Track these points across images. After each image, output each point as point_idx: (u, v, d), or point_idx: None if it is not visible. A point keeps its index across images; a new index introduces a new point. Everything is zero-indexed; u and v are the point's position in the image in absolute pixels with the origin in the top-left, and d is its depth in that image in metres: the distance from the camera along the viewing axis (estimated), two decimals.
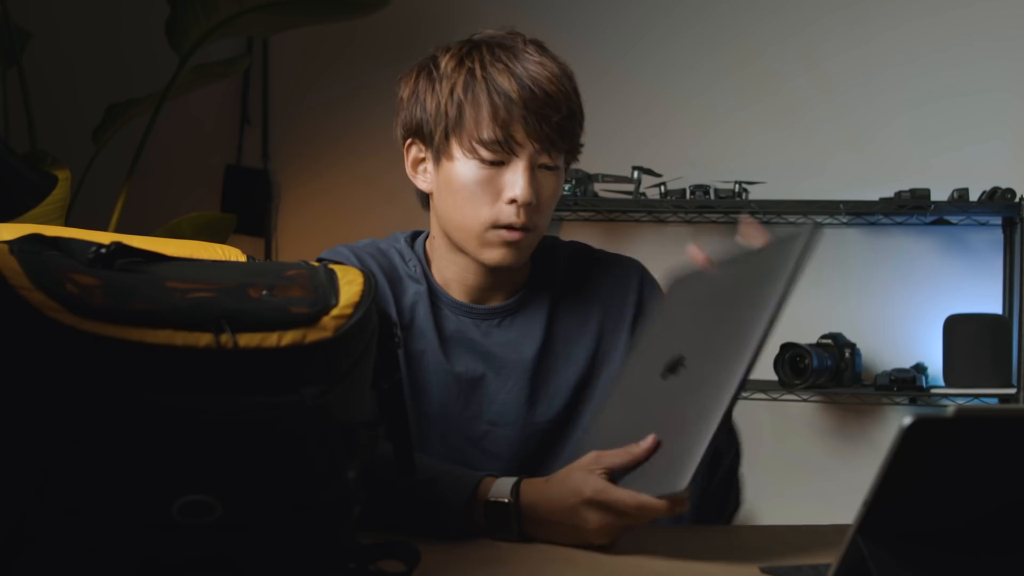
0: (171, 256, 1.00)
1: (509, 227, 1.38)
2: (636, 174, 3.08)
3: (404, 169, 1.51)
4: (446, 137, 1.40)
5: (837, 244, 3.21)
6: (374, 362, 1.00)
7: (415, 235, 1.54)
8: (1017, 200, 2.92)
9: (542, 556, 1.15)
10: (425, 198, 1.49)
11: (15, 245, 0.91)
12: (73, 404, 0.82)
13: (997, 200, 2.91)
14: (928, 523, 0.90)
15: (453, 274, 1.47)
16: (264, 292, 0.92)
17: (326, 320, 0.91)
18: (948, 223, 3.11)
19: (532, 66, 1.37)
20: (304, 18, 3.01)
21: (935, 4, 3.16)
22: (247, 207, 3.42)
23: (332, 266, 1.00)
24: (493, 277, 1.46)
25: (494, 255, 1.40)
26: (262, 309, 0.89)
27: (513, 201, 1.37)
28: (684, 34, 3.29)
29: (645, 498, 1.11)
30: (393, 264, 1.48)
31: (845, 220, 3.15)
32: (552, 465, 1.46)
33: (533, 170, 1.37)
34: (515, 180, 1.36)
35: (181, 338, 0.84)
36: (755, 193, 3.08)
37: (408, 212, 3.37)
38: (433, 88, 1.41)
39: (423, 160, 1.46)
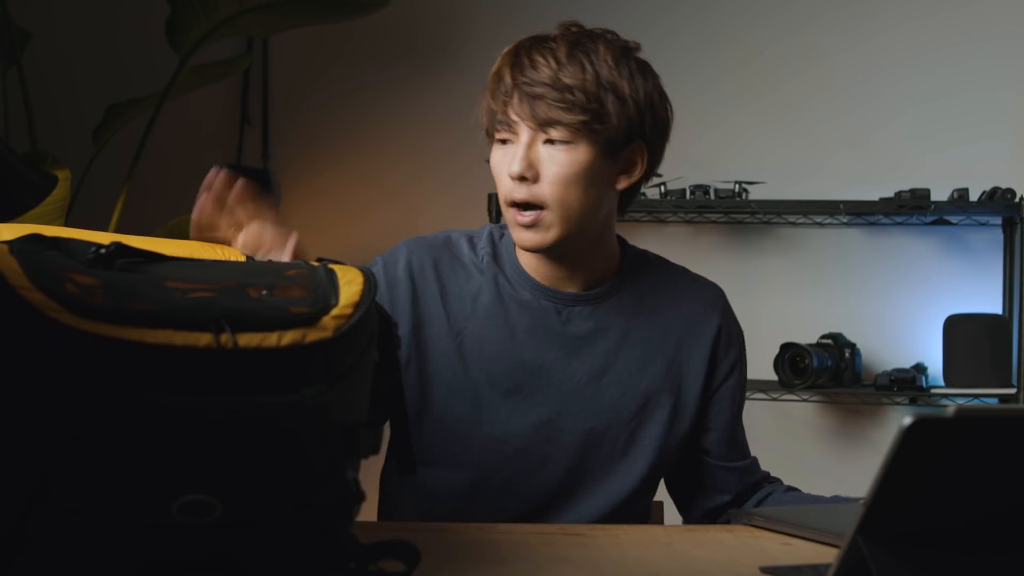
0: (171, 256, 1.00)
1: (514, 204, 1.44)
2: None
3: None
4: (487, 132, 1.50)
5: (837, 244, 3.21)
6: (374, 362, 1.00)
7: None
8: (1017, 200, 2.92)
9: (542, 556, 1.15)
10: None
11: (15, 245, 0.91)
12: (73, 404, 0.82)
13: (997, 200, 2.91)
14: (928, 523, 0.90)
15: (529, 260, 1.52)
16: (264, 292, 0.91)
17: (326, 320, 0.91)
18: (948, 223, 3.11)
19: (538, 53, 1.44)
20: (304, 18, 3.01)
21: (935, 3, 3.16)
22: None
23: (332, 266, 1.00)
24: (560, 267, 1.50)
25: (518, 236, 1.46)
26: (262, 309, 0.89)
27: (512, 176, 1.43)
28: (683, 34, 3.29)
29: None
30: (455, 254, 1.54)
31: (845, 220, 3.15)
32: (604, 468, 1.49)
33: (533, 146, 1.42)
34: (514, 155, 1.43)
35: (181, 338, 0.84)
36: (755, 193, 3.08)
37: (409, 212, 3.37)
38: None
39: None
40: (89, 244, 0.95)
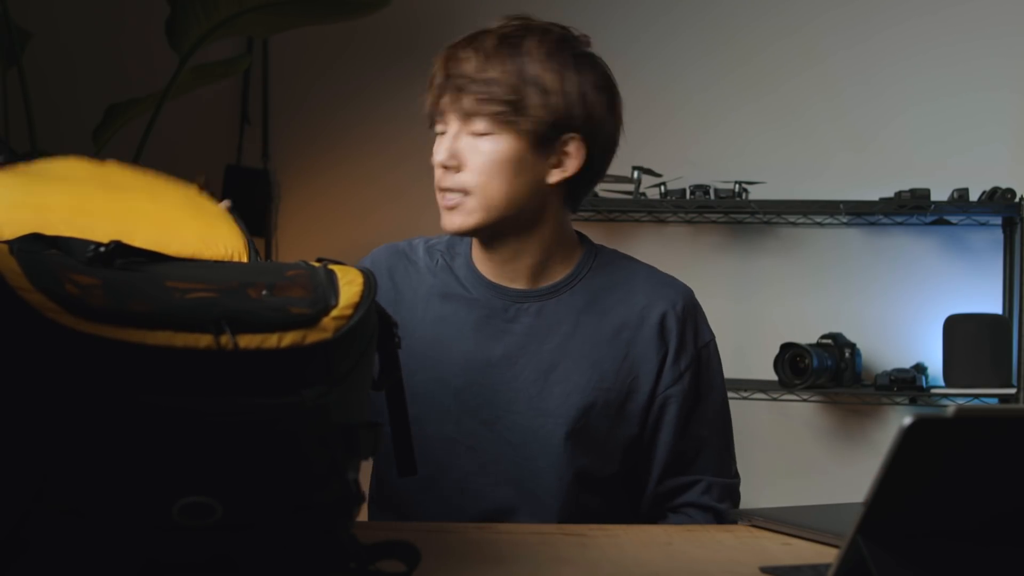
0: (172, 255, 1.00)
1: (440, 189, 1.48)
2: (636, 174, 3.08)
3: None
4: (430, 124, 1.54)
5: (837, 244, 3.21)
6: (374, 362, 1.00)
7: None
8: (1017, 200, 2.92)
9: (542, 556, 1.15)
10: None
11: (15, 245, 0.91)
12: (73, 406, 0.82)
13: (997, 200, 2.91)
14: (928, 523, 0.90)
15: (476, 254, 1.55)
16: (264, 292, 0.91)
17: (326, 321, 0.91)
18: (948, 223, 3.11)
19: (465, 48, 1.48)
20: (304, 18, 3.01)
21: (935, 3, 3.15)
22: (247, 207, 3.41)
23: (332, 266, 1.00)
24: (498, 252, 1.52)
25: (443, 221, 1.50)
26: (262, 309, 0.89)
27: (437, 164, 1.48)
28: (683, 33, 3.29)
29: None
30: (411, 259, 1.59)
31: (845, 220, 3.15)
32: (551, 466, 1.47)
33: (460, 136, 1.47)
34: (440, 144, 1.49)
35: (181, 339, 0.84)
36: (755, 193, 3.08)
37: (409, 212, 3.37)
38: None
39: None
40: (88, 243, 0.95)
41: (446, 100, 1.47)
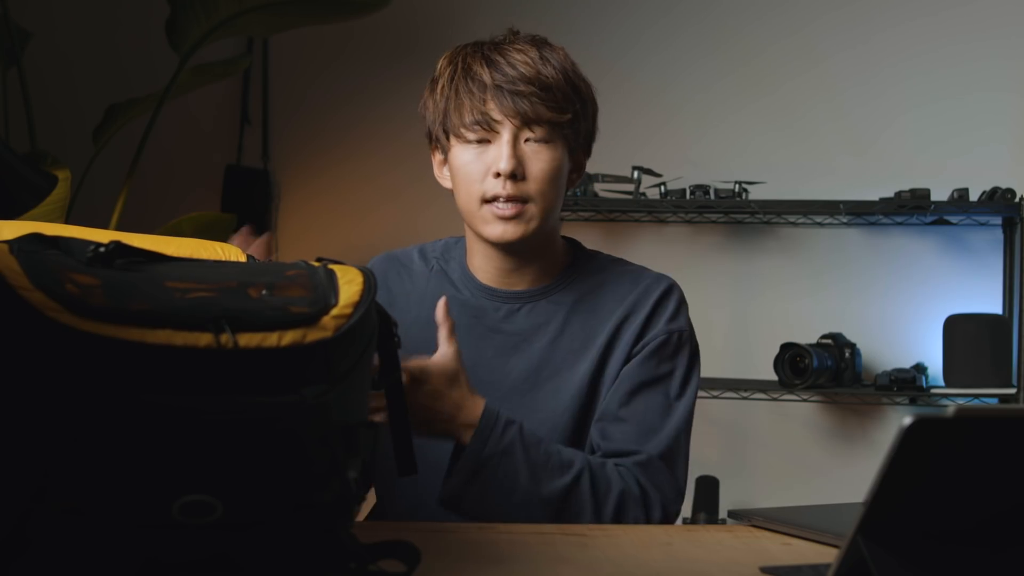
0: (171, 256, 1.00)
1: (497, 199, 1.45)
2: (636, 174, 3.08)
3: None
4: (445, 133, 1.50)
5: (837, 244, 3.21)
6: (374, 361, 1.00)
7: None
8: (1017, 200, 2.92)
9: (542, 556, 1.15)
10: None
11: (15, 245, 0.91)
12: (73, 404, 0.82)
13: (997, 200, 2.91)
14: (928, 523, 0.90)
15: (480, 261, 1.55)
16: (264, 292, 0.91)
17: (326, 320, 0.91)
18: (948, 223, 3.11)
19: (508, 52, 1.47)
20: (304, 18, 3.01)
21: (935, 3, 3.16)
22: (247, 207, 3.41)
23: (332, 266, 1.00)
24: (512, 260, 1.52)
25: (493, 230, 1.47)
26: (262, 309, 0.89)
27: (498, 174, 1.44)
28: (684, 33, 3.29)
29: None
30: (405, 264, 1.60)
31: (845, 220, 3.16)
32: None
33: (517, 144, 1.45)
34: (498, 154, 1.44)
35: (181, 338, 0.84)
36: (755, 193, 3.08)
37: (408, 212, 3.37)
38: (432, 92, 1.52)
39: (443, 163, 1.55)
40: (89, 243, 0.95)
41: (499, 105, 1.44)
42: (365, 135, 3.41)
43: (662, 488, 1.43)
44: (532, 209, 1.46)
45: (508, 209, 1.45)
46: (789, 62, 3.23)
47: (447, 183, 1.55)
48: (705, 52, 3.28)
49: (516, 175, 1.44)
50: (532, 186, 1.45)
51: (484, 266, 1.54)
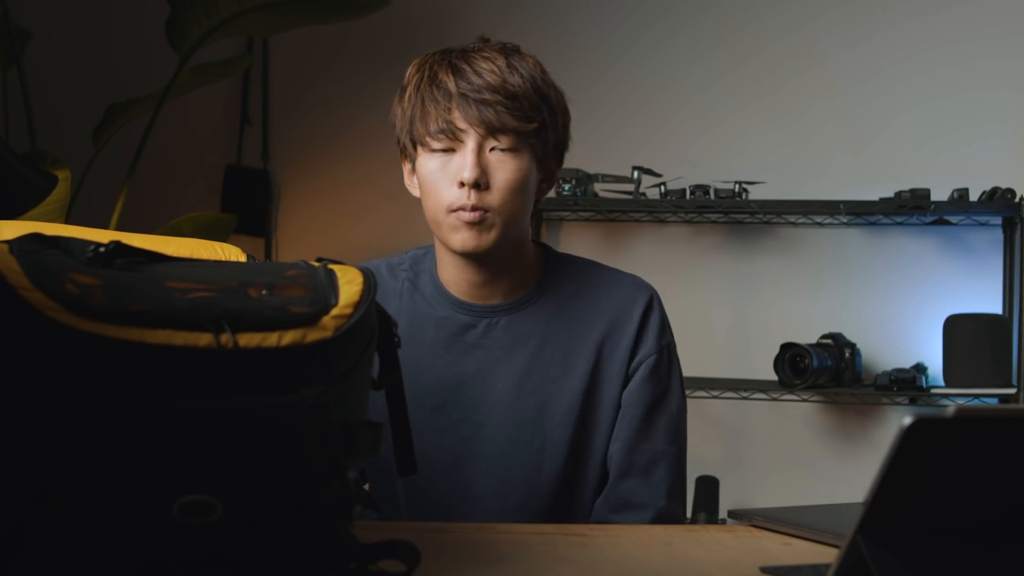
0: (171, 256, 1.00)
1: (463, 209, 1.43)
2: (636, 174, 3.08)
3: (403, 169, 1.55)
4: (412, 142, 1.48)
5: (837, 244, 3.21)
6: (374, 361, 1.00)
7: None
8: (1017, 200, 2.92)
9: (542, 556, 1.15)
10: None
11: (15, 245, 0.91)
12: (73, 404, 0.82)
13: (997, 200, 2.91)
14: (928, 523, 0.90)
15: (450, 274, 1.51)
16: (264, 292, 0.91)
17: (326, 320, 0.91)
18: (948, 223, 3.11)
19: (475, 60, 1.44)
20: (304, 18, 3.01)
21: (935, 3, 3.16)
22: (247, 207, 3.42)
23: (332, 266, 1.00)
24: (483, 273, 1.49)
25: (457, 239, 1.44)
26: (262, 309, 0.89)
27: (463, 184, 1.42)
28: (683, 33, 3.29)
29: None
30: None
31: (845, 220, 3.16)
32: (529, 476, 1.47)
33: (482, 153, 1.43)
34: (462, 163, 1.42)
35: (181, 338, 0.84)
36: (755, 193, 3.08)
37: (408, 212, 3.38)
38: (400, 101, 1.51)
39: (412, 172, 1.53)
40: (89, 243, 0.95)
41: (464, 114, 1.42)
42: (365, 135, 3.41)
43: (677, 516, 1.50)
44: (491, 218, 1.43)
45: (472, 214, 1.42)
46: (789, 62, 3.23)
47: (416, 192, 1.51)
48: (704, 52, 3.28)
49: (480, 184, 1.41)
50: (495, 196, 1.42)
51: (455, 279, 1.51)
